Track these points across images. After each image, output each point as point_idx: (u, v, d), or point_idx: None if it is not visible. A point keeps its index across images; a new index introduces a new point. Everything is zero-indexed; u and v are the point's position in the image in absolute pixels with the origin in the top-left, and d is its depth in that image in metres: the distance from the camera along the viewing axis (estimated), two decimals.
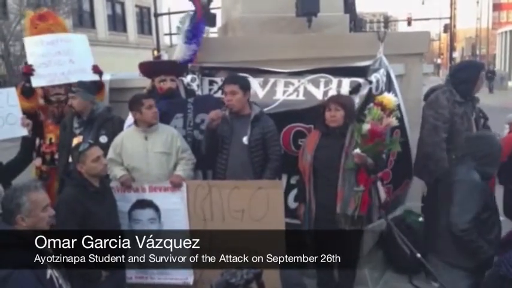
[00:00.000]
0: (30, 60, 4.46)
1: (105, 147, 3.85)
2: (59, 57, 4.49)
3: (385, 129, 3.52)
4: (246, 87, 3.76)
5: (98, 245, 3.20)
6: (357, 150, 3.37)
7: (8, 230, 2.32)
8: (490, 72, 31.67)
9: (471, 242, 3.06)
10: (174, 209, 3.72)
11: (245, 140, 3.68)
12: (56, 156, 4.38)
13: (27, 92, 4.40)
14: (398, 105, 4.22)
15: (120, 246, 3.51)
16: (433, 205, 3.46)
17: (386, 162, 4.12)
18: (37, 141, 4.50)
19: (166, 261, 3.81)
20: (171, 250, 3.78)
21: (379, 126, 3.44)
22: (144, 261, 3.82)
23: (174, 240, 3.75)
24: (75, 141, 3.62)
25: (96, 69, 4.60)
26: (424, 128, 4.08)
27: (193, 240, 3.72)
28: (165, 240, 3.77)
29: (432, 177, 3.95)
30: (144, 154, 3.75)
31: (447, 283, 3.20)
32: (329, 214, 3.54)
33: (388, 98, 3.63)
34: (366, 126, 3.42)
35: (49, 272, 2.33)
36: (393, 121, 3.57)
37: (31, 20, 4.73)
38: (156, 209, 3.76)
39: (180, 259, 3.79)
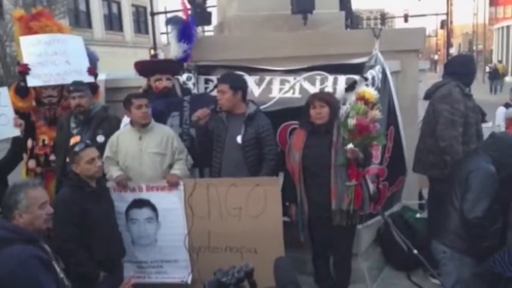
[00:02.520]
0: (26, 59, 4.42)
1: (103, 147, 3.86)
2: (55, 57, 4.46)
3: (371, 122, 3.53)
4: (236, 86, 3.71)
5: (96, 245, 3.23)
6: (350, 145, 3.39)
7: (10, 226, 2.35)
8: (492, 70, 28.12)
9: (481, 229, 3.08)
10: (172, 208, 3.72)
11: (239, 139, 3.67)
12: (51, 158, 4.37)
13: (21, 92, 4.37)
14: (393, 102, 4.24)
15: (118, 247, 3.54)
16: (442, 197, 3.45)
17: (382, 159, 4.13)
18: (29, 142, 4.47)
19: (164, 260, 3.83)
20: (169, 249, 3.81)
21: (364, 120, 3.47)
22: (142, 260, 3.84)
23: (172, 239, 3.78)
24: (73, 141, 3.60)
25: (92, 71, 4.58)
26: (438, 123, 4.07)
27: (191, 238, 3.74)
28: (163, 239, 3.80)
29: (447, 171, 3.96)
30: (137, 154, 3.75)
31: (453, 271, 3.22)
32: (323, 211, 3.56)
33: (369, 92, 3.67)
34: (352, 121, 3.44)
35: (53, 263, 2.38)
36: (377, 114, 3.60)
37: (24, 20, 4.67)
38: (153, 208, 3.76)
39: (178, 258, 3.81)
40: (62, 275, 2.44)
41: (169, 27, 4.51)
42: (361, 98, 3.62)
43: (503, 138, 3.30)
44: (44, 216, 2.45)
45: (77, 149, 3.23)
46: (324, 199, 3.53)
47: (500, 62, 33.99)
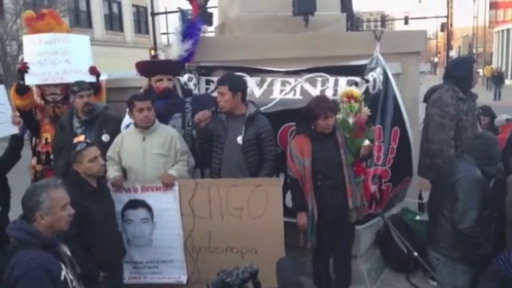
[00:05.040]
0: (26, 58, 4.43)
1: (107, 146, 3.88)
2: (55, 56, 4.45)
3: (365, 118, 3.59)
4: (236, 88, 3.70)
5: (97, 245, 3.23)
6: (367, 142, 3.45)
7: (28, 229, 2.33)
8: (497, 75, 26.84)
9: (474, 239, 3.07)
10: (167, 209, 3.72)
11: (239, 140, 3.68)
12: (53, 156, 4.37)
13: (20, 90, 4.38)
14: (398, 103, 4.25)
15: (118, 247, 3.53)
16: (438, 202, 3.46)
17: (384, 160, 4.14)
18: (33, 140, 4.48)
19: (159, 260, 3.82)
20: (164, 249, 3.81)
21: (361, 118, 3.52)
22: (137, 260, 3.84)
23: (167, 239, 3.78)
24: (77, 140, 3.62)
25: (94, 71, 4.55)
26: (429, 127, 4.09)
27: (192, 239, 3.74)
28: (159, 240, 3.80)
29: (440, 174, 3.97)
30: (141, 155, 3.75)
31: (446, 278, 3.22)
32: (337, 212, 3.59)
33: (355, 90, 3.72)
34: (351, 120, 3.47)
35: (63, 273, 2.33)
36: (367, 110, 3.66)
37: (28, 20, 4.70)
38: (149, 208, 3.75)
39: (173, 258, 3.81)
40: (74, 283, 2.40)
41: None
42: (351, 97, 3.65)
43: (492, 138, 3.29)
44: (65, 217, 2.43)
45: (78, 148, 3.24)
46: (340, 200, 3.57)
47: (489, 64, 33.82)
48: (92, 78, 4.51)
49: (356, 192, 3.61)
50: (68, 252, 2.53)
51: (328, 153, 3.57)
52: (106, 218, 3.34)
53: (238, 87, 3.73)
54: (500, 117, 5.91)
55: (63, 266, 2.37)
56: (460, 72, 4.20)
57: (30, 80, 4.40)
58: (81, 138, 3.41)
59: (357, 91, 3.72)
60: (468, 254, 3.15)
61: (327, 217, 3.62)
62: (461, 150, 3.50)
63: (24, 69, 4.37)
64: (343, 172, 3.54)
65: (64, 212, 2.42)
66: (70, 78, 4.32)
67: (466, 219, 3.03)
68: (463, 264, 3.20)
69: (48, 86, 4.45)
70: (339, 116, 3.68)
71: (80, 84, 4.14)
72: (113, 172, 3.75)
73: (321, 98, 3.75)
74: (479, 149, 3.21)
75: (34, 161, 4.47)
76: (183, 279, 3.80)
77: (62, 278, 2.31)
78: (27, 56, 4.45)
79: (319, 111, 3.52)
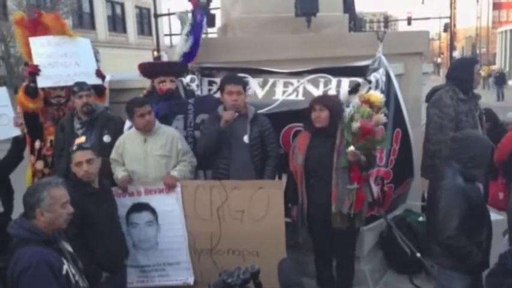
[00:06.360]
0: (36, 60, 4.44)
1: (109, 147, 3.88)
2: (65, 59, 4.49)
3: (375, 126, 3.52)
4: (246, 88, 3.88)
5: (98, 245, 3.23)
6: (351, 148, 3.39)
7: (28, 226, 2.39)
8: (499, 75, 26.61)
9: (460, 248, 3.00)
10: (170, 210, 3.72)
11: (246, 138, 3.71)
12: None
13: (31, 93, 4.37)
14: (399, 105, 4.24)
15: (120, 248, 3.53)
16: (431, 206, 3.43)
17: (387, 161, 4.13)
18: (37, 143, 4.47)
19: (166, 263, 3.83)
20: (170, 251, 3.81)
21: (368, 124, 3.46)
22: (144, 264, 3.84)
23: (172, 241, 3.78)
24: (78, 141, 3.64)
25: (99, 73, 4.61)
26: (429, 128, 4.08)
27: (194, 241, 3.74)
28: (164, 242, 3.80)
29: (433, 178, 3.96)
30: (142, 156, 3.75)
31: (441, 285, 3.18)
32: (323, 214, 3.56)
33: (376, 95, 3.65)
34: (356, 124, 3.44)
35: (65, 267, 2.39)
36: (382, 118, 3.59)
37: (21, 22, 4.62)
38: (153, 211, 3.76)
39: (180, 260, 3.81)
40: (77, 277, 2.46)
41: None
42: (366, 101, 3.60)
43: (467, 136, 3.20)
44: (64, 215, 2.48)
45: (74, 148, 3.24)
46: (325, 201, 3.55)
47: (488, 65, 33.60)
48: (98, 81, 4.57)
49: (344, 198, 3.51)
50: (70, 249, 2.56)
51: (323, 152, 3.57)
52: (107, 219, 3.32)
53: (246, 88, 3.89)
54: None
55: (64, 261, 2.42)
56: (460, 73, 4.19)
57: (42, 82, 4.40)
58: (82, 139, 3.40)
59: (378, 96, 3.62)
60: (459, 262, 3.07)
61: (317, 217, 3.64)
62: (447, 155, 3.38)
63: (35, 71, 4.37)
64: (332, 174, 3.52)
65: (63, 210, 2.46)
66: (80, 81, 4.31)
67: (446, 229, 2.96)
68: (457, 271, 3.12)
69: (54, 88, 4.46)
70: (345, 116, 3.66)
71: (80, 84, 4.14)
72: (120, 172, 3.76)
73: (323, 94, 3.87)
74: (460, 152, 3.08)
75: (40, 164, 4.46)
76: (190, 280, 3.81)
77: (64, 272, 2.37)
78: (36, 58, 4.45)
79: (311, 103, 3.64)
